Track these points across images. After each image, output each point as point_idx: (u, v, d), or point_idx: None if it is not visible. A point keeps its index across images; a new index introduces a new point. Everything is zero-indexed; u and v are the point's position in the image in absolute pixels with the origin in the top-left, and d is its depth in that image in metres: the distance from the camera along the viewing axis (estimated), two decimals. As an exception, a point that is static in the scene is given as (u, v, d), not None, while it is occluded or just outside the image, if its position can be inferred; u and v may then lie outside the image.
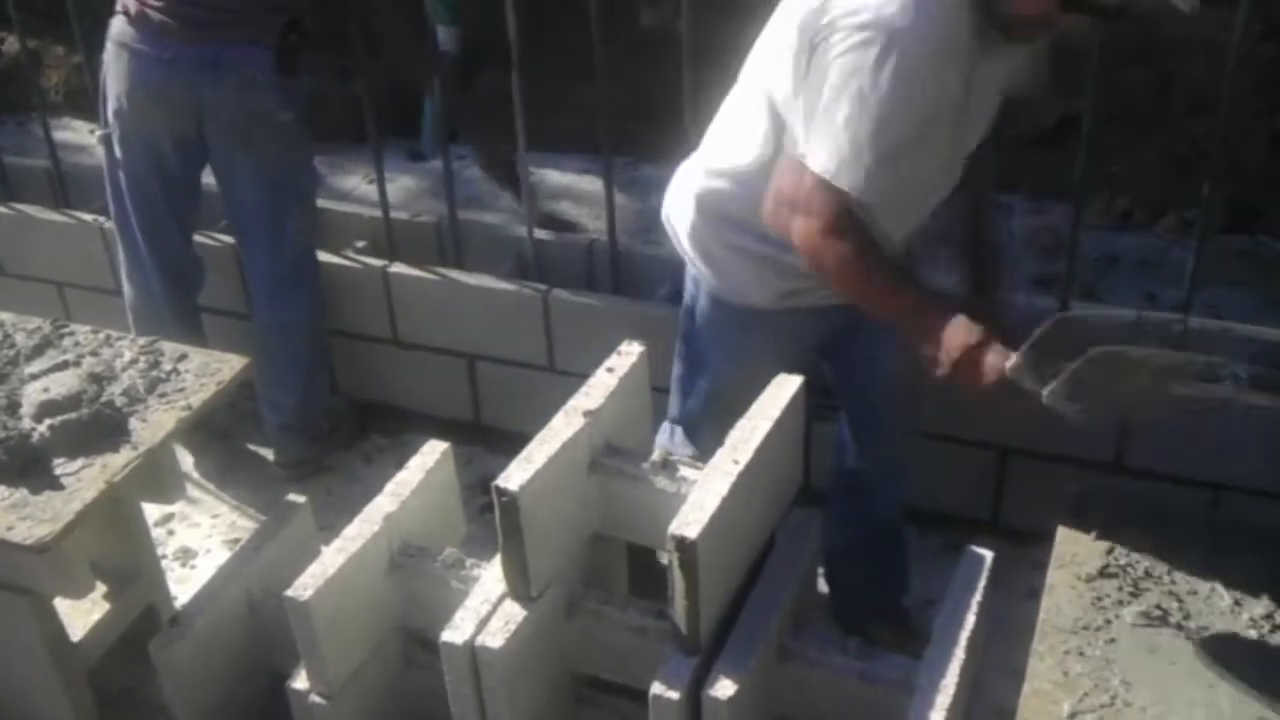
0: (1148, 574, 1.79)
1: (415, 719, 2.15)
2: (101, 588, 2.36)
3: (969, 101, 2.03)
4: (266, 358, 3.04)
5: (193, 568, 2.99)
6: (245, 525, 3.10)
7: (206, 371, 2.33)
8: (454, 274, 3.25)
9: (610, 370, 2.08)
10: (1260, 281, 3.67)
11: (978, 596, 1.94)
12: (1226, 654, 1.66)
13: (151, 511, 2.71)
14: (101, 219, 3.49)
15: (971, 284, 2.31)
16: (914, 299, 2.01)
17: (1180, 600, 1.75)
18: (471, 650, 1.87)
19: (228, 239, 3.32)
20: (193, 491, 3.16)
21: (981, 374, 1.92)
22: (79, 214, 3.63)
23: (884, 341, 2.23)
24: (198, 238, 3.26)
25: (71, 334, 2.44)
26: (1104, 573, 1.79)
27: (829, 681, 1.96)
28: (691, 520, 1.76)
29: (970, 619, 1.90)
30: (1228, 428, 2.59)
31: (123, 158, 3.02)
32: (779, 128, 2.07)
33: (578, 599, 2.01)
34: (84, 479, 2.09)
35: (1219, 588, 1.77)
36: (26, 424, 2.18)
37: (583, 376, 2.09)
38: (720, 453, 1.91)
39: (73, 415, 2.18)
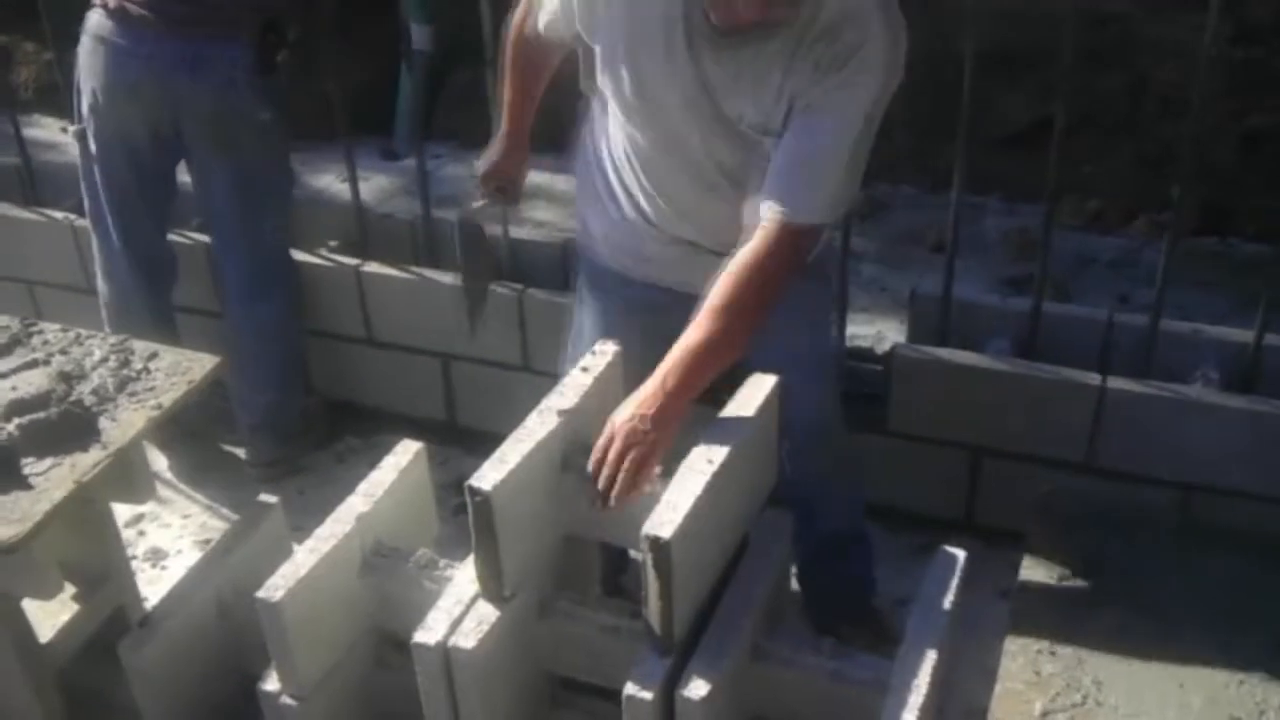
0: (1119, 573, 1.80)
1: (388, 720, 2.15)
2: (71, 589, 2.33)
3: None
4: (239, 357, 3.02)
5: (163, 568, 2.97)
6: (217, 526, 3.08)
7: (177, 370, 2.31)
8: (428, 273, 3.24)
9: (585, 370, 2.08)
10: (1231, 283, 3.70)
11: (950, 596, 1.94)
12: (1197, 653, 1.67)
13: (122, 512, 2.69)
14: (72, 217, 3.47)
15: None
16: None
17: (1150, 599, 1.76)
18: (444, 651, 1.86)
19: (201, 237, 3.30)
20: (164, 491, 3.14)
21: None
22: (50, 212, 3.60)
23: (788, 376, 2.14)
24: (170, 236, 3.24)
25: (41, 332, 2.42)
26: (1075, 573, 1.80)
27: (802, 681, 1.96)
28: (665, 520, 1.76)
29: (943, 619, 1.90)
30: (1198, 429, 2.62)
31: (97, 153, 2.99)
32: None
33: (551, 599, 2.01)
34: (53, 479, 2.07)
35: (1189, 587, 1.78)
36: (-6, 423, 2.16)
37: (558, 376, 2.08)
38: (694, 452, 1.90)
39: (41, 415, 2.15)
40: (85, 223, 3.17)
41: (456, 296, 2.80)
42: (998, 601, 2.62)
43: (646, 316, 2.29)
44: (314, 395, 3.43)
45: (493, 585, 1.90)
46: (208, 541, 2.94)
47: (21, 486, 2.05)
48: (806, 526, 2.48)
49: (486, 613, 1.89)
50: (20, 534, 1.96)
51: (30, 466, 2.09)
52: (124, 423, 2.18)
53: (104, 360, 2.33)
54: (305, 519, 2.27)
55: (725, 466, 1.88)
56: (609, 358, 2.11)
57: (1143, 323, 2.77)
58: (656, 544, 1.74)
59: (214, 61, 2.83)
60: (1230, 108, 3.98)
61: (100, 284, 3.18)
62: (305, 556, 1.97)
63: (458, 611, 1.90)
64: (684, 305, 2.03)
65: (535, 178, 2.55)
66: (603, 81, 2.11)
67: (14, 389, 2.22)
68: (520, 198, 2.43)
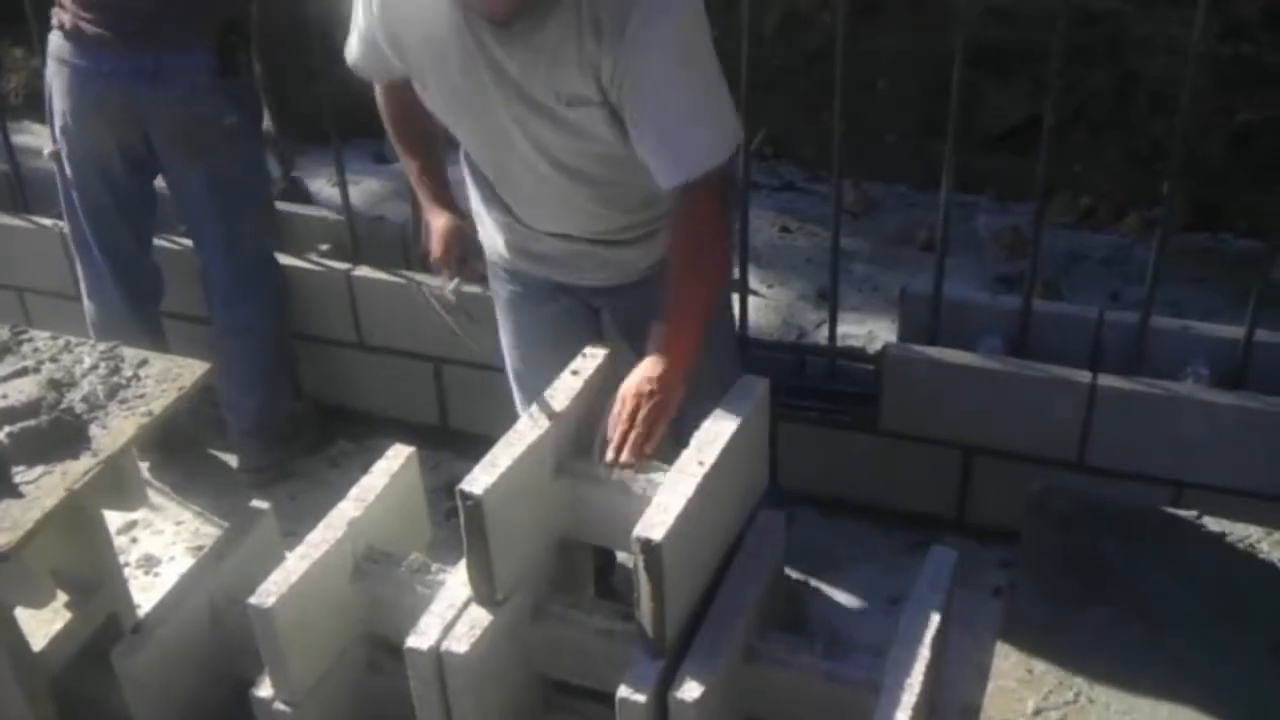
0: (1111, 571, 1.80)
1: (381, 725, 2.14)
2: (63, 597, 2.33)
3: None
4: (226, 360, 3.02)
5: (156, 575, 2.97)
6: (209, 532, 3.07)
7: (167, 377, 2.31)
8: (419, 276, 3.23)
9: (576, 373, 2.08)
10: (1222, 279, 3.71)
11: (943, 595, 1.95)
12: (1190, 649, 1.67)
13: (114, 519, 2.69)
14: (62, 224, 3.45)
15: None
16: None
17: (1142, 597, 1.76)
18: (437, 656, 1.86)
19: (187, 242, 3.29)
20: (155, 498, 3.14)
21: None
22: (39, 219, 3.59)
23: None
24: (157, 241, 3.23)
25: (31, 340, 2.41)
26: (1067, 570, 1.80)
27: (796, 681, 1.96)
28: (656, 523, 1.76)
29: (935, 617, 1.91)
30: (1189, 425, 2.62)
31: (73, 175, 2.98)
32: None
33: (544, 603, 2.01)
34: (44, 487, 2.06)
35: (1180, 584, 1.78)
36: (-15, 432, 2.16)
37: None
38: (685, 454, 1.91)
39: (32, 422, 2.15)
40: (74, 232, 3.16)
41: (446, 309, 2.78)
42: (990, 600, 2.62)
43: (557, 313, 2.37)
44: (305, 399, 3.42)
45: (485, 589, 1.90)
46: (200, 548, 2.93)
47: (12, 495, 2.05)
48: None
49: (479, 617, 1.89)
50: (12, 542, 1.96)
51: (21, 475, 2.08)
52: (115, 430, 2.18)
53: (94, 368, 2.32)
54: (297, 524, 2.27)
55: (716, 468, 1.88)
56: (599, 361, 2.11)
57: (1133, 320, 2.78)
58: (648, 546, 1.74)
59: (175, 71, 2.81)
60: (1220, 104, 3.98)
61: (86, 303, 3.17)
62: (297, 562, 1.97)
63: (450, 616, 1.90)
64: (586, 299, 2.31)
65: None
66: (424, 98, 2.14)
67: (4, 397, 2.21)
68: (481, 252, 2.42)
